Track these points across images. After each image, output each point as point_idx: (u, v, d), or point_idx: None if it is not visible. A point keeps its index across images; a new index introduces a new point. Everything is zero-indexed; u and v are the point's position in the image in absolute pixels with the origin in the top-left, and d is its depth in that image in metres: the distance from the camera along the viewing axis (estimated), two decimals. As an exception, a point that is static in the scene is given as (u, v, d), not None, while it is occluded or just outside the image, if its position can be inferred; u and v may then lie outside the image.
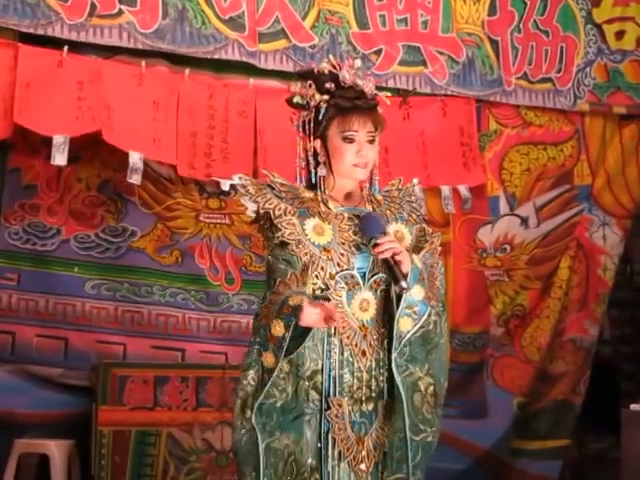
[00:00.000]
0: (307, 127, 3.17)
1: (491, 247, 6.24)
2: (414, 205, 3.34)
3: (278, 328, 2.98)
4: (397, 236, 3.21)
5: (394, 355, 3.09)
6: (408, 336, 3.12)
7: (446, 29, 5.97)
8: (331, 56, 3.29)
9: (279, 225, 3.09)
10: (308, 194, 3.19)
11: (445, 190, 5.96)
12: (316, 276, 3.10)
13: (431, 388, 3.16)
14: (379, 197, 3.27)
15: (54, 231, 5.44)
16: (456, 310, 6.16)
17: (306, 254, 3.08)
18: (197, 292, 5.68)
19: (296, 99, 3.22)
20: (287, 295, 2.99)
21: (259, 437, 3.01)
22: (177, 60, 5.38)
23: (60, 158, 5.00)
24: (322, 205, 3.16)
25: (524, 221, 6.29)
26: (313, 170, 3.18)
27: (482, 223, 6.22)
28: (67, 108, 5.07)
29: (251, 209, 3.25)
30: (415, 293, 3.12)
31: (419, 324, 3.14)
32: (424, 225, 3.31)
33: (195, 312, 5.63)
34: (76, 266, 5.47)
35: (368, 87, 3.19)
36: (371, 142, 3.17)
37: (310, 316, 2.93)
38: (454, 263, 6.16)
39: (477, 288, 6.23)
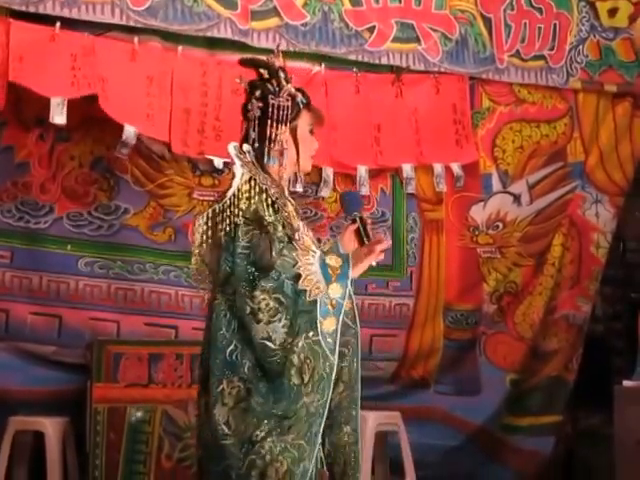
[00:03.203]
0: (282, 113, 3.27)
1: (483, 224, 6.23)
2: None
3: (336, 291, 3.07)
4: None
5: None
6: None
7: (439, 6, 5.95)
8: (275, 59, 3.39)
9: (280, 208, 3.17)
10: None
11: (437, 168, 5.95)
12: None
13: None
14: None
15: (47, 209, 5.41)
16: (449, 287, 6.18)
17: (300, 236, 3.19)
18: (190, 269, 5.65)
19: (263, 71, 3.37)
20: (323, 258, 3.10)
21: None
22: (170, 37, 5.35)
23: (59, 118, 4.94)
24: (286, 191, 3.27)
25: (517, 198, 6.28)
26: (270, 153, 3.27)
27: (475, 201, 6.22)
28: (62, 76, 5.02)
29: (239, 177, 3.24)
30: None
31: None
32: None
33: (188, 289, 5.59)
34: (69, 244, 5.44)
35: None
36: None
37: (362, 261, 3.08)
38: (447, 241, 6.17)
39: (469, 265, 6.24)
